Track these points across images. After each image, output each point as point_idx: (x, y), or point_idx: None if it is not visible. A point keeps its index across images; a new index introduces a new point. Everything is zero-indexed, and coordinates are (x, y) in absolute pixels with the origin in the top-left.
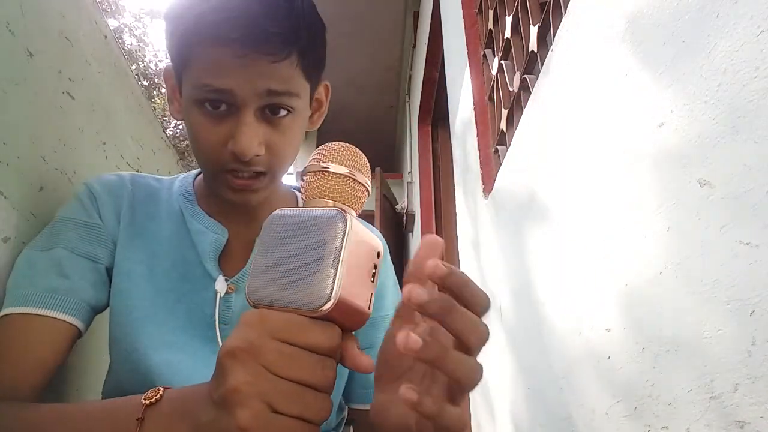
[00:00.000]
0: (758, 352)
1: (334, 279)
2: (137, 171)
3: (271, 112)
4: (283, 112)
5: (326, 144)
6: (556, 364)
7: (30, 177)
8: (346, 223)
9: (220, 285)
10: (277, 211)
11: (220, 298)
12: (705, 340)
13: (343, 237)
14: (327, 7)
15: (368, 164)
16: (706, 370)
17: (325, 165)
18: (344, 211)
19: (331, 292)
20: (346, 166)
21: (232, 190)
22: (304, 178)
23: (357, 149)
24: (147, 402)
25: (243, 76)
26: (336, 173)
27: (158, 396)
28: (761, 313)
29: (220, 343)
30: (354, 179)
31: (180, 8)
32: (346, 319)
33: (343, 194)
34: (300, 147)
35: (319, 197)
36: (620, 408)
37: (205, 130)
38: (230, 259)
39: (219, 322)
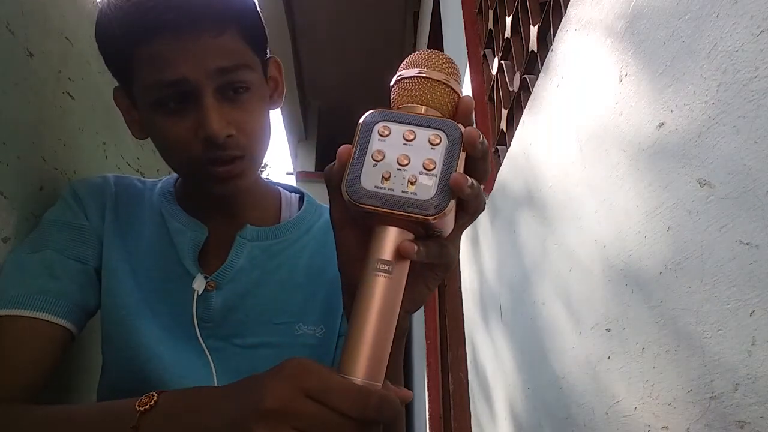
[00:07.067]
0: (758, 352)
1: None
2: (137, 171)
3: (230, 90)
4: (241, 89)
5: (419, 51)
6: (556, 364)
7: (30, 177)
8: (459, 135)
9: (198, 283)
10: (374, 112)
11: (198, 296)
12: (705, 340)
13: (460, 148)
14: (327, 7)
15: (459, 73)
16: (706, 370)
17: (422, 71)
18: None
19: (448, 203)
20: (441, 72)
21: (218, 181)
22: (398, 84)
23: (450, 58)
24: (141, 409)
25: (190, 59)
26: (433, 79)
27: (152, 402)
28: (761, 313)
29: (202, 343)
30: (449, 86)
31: (107, 22)
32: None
33: (438, 101)
34: (270, 128)
35: (414, 103)
36: (620, 408)
37: (171, 129)
38: (211, 257)
39: (200, 320)
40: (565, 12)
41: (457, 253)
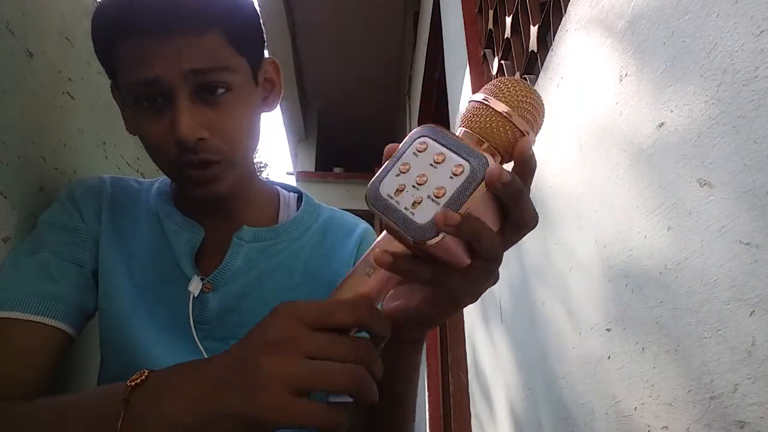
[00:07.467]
0: (758, 352)
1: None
2: (137, 171)
3: (207, 92)
4: (219, 90)
5: (504, 77)
6: (556, 364)
7: (30, 177)
8: (483, 174)
9: (194, 285)
10: (426, 126)
11: (194, 298)
12: (705, 340)
13: (477, 186)
14: (327, 7)
15: (540, 112)
16: (706, 370)
17: (487, 98)
18: (490, 157)
19: (438, 233)
20: (507, 104)
21: (195, 184)
22: (467, 105)
23: (535, 92)
24: (132, 384)
25: (165, 60)
26: (494, 109)
27: (143, 377)
28: (761, 313)
29: (199, 345)
30: (510, 121)
31: (97, 20)
32: (445, 254)
33: (492, 133)
34: (258, 129)
35: (472, 131)
36: (620, 408)
37: (149, 129)
38: (207, 258)
39: (196, 322)
40: (565, 12)
41: (471, 290)
